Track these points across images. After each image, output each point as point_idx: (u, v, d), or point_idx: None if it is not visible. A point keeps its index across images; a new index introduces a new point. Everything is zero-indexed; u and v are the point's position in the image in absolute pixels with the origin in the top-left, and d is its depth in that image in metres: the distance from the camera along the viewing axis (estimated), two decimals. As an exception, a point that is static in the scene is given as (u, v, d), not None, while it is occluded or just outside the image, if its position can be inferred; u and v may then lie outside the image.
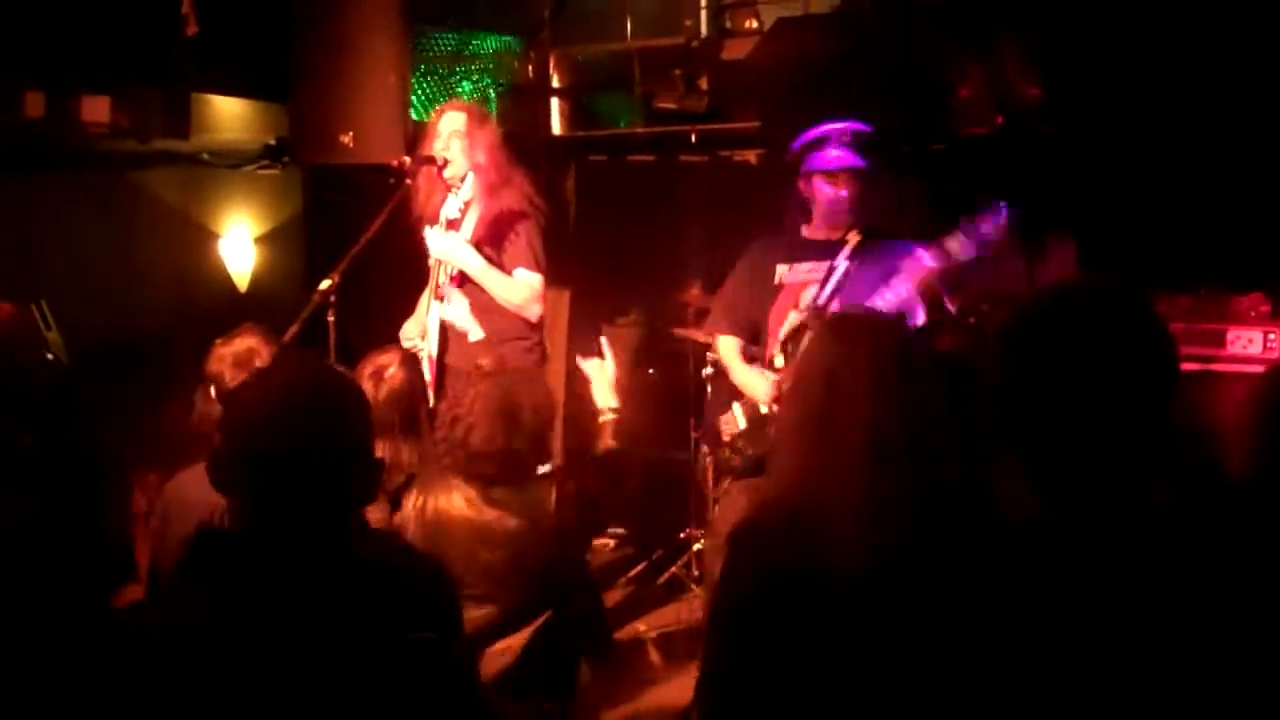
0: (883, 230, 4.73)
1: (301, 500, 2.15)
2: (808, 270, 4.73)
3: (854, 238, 4.70)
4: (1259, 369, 4.98)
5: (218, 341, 3.70)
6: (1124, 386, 1.83)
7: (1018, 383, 1.89)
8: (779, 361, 4.67)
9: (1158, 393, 1.86)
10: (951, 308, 4.54)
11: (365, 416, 2.31)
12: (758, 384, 4.71)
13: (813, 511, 2.21)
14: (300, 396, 2.21)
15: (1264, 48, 4.99)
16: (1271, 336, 4.99)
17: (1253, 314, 5.08)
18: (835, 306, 4.57)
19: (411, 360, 4.18)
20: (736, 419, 4.83)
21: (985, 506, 1.93)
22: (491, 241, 4.90)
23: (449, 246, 4.86)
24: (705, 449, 5.76)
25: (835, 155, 4.66)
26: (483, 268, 4.85)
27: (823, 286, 4.64)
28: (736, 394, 4.84)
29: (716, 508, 5.58)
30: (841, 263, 4.65)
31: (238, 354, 3.58)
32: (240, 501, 2.18)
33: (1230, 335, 5.07)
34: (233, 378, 3.53)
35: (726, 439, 4.85)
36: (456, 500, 3.29)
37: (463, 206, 4.89)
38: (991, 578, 1.82)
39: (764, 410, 4.70)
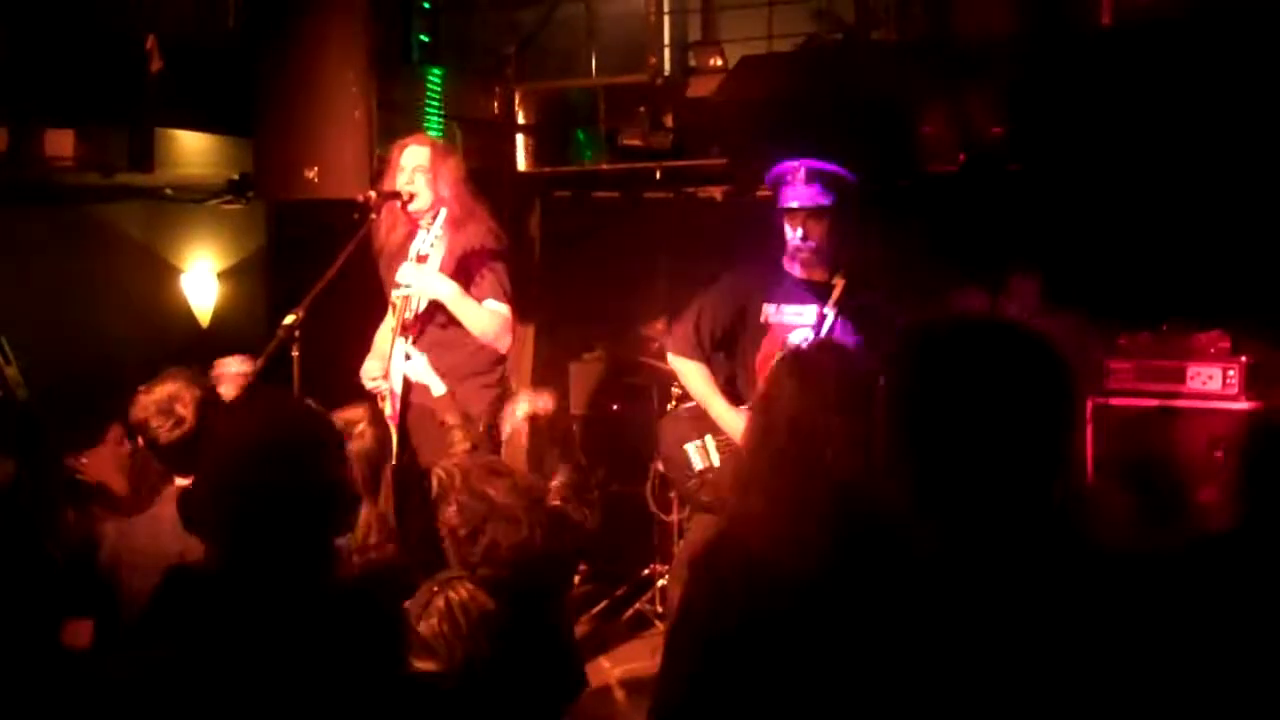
0: (866, 277, 4.65)
1: (279, 536, 2.14)
2: (795, 313, 4.65)
3: (840, 282, 4.60)
4: (1218, 405, 5.02)
5: (140, 389, 3.63)
6: (1011, 420, 1.80)
7: (908, 406, 1.87)
8: None
9: (1045, 429, 1.83)
10: None
11: (340, 451, 2.32)
12: (737, 424, 4.52)
13: (774, 544, 2.20)
14: (276, 431, 2.22)
15: (1223, 87, 5.05)
16: (1230, 373, 5.03)
17: (1212, 350, 5.12)
18: None
19: (379, 420, 4.15)
20: (710, 452, 4.77)
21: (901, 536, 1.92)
22: (459, 276, 4.88)
23: (423, 278, 4.82)
24: (660, 469, 5.64)
25: (790, 193, 4.57)
26: (457, 296, 4.81)
27: (816, 333, 4.55)
28: (704, 424, 4.79)
29: (681, 540, 5.54)
30: (830, 310, 4.56)
31: (159, 401, 3.51)
32: (216, 540, 2.16)
33: (1190, 371, 5.11)
34: (158, 425, 3.48)
35: (699, 468, 4.81)
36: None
37: (434, 241, 4.88)
38: (896, 614, 1.82)
39: None
